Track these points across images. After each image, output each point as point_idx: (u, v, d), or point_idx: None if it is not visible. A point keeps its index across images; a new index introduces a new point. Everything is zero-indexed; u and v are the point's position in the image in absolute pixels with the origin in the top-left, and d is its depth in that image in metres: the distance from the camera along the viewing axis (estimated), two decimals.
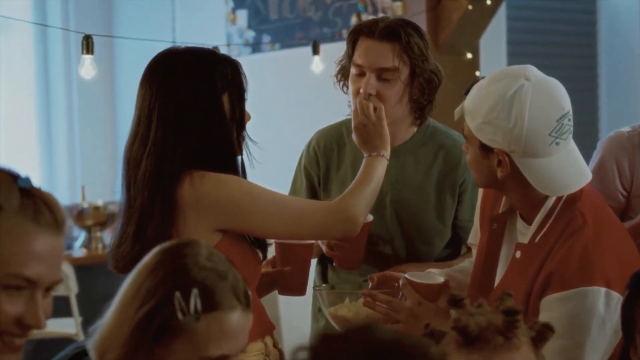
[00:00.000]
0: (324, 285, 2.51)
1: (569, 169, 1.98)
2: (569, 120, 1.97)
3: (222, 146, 2.09)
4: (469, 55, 4.49)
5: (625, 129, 2.66)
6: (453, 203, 2.48)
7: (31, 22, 5.69)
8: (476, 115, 1.98)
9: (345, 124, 2.58)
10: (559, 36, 5.64)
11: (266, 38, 5.42)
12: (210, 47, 3.77)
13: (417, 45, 2.41)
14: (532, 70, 1.98)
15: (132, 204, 2.06)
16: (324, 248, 2.40)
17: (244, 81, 2.13)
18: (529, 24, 5.46)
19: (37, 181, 5.17)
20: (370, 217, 2.35)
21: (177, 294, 1.47)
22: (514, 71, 1.99)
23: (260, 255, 2.18)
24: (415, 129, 2.52)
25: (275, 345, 2.21)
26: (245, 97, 2.14)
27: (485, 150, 1.99)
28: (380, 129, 2.30)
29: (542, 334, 1.59)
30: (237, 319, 1.50)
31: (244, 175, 2.18)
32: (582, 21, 5.94)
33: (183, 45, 2.18)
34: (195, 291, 1.46)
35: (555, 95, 1.97)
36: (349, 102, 2.49)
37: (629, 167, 2.61)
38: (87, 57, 3.37)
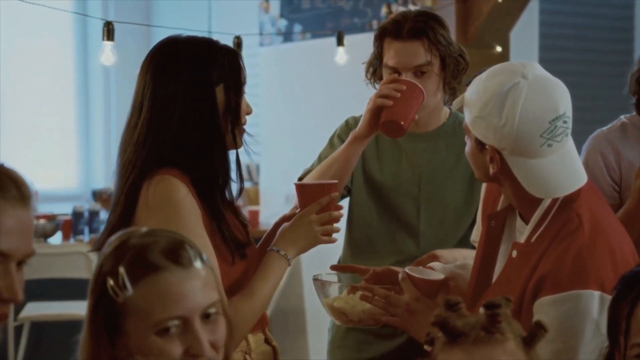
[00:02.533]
0: (322, 273, 2.50)
1: (561, 172, 1.93)
2: (565, 122, 1.92)
3: (210, 138, 2.03)
4: (499, 49, 4.45)
5: (604, 127, 2.65)
6: (481, 191, 2.48)
7: (71, 11, 5.76)
8: (472, 109, 1.96)
9: None
10: (594, 31, 5.54)
11: (297, 27, 5.42)
12: (241, 35, 3.82)
13: (442, 36, 2.53)
14: (533, 68, 1.94)
15: (114, 191, 2.06)
16: (373, 101, 2.41)
17: (242, 72, 2.08)
18: (562, 18, 5.37)
19: (74, 166, 5.21)
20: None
21: (108, 279, 1.47)
22: (513, 67, 1.95)
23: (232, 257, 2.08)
24: (448, 113, 2.65)
25: (268, 341, 2.19)
26: (243, 89, 2.09)
27: (480, 144, 1.97)
28: (314, 230, 2.14)
29: (533, 333, 1.55)
30: (174, 278, 1.46)
31: (239, 169, 2.13)
32: (619, 16, 5.81)
33: (185, 34, 2.12)
34: (121, 269, 1.46)
35: (551, 96, 1.92)
36: (367, 78, 2.62)
37: (615, 160, 2.57)
38: (108, 44, 3.38)
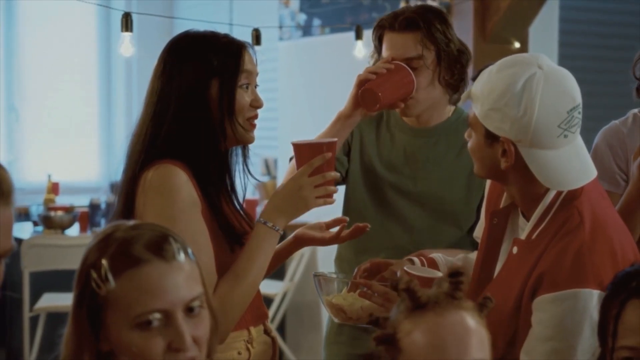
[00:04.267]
0: (324, 272, 2.49)
1: (574, 164, 1.92)
2: (579, 113, 1.91)
3: (202, 132, 2.02)
4: (517, 45, 4.40)
5: (617, 120, 2.68)
6: (480, 188, 2.46)
7: (94, 3, 5.78)
8: (484, 102, 1.92)
9: None
10: (616, 27, 5.47)
11: (317, 21, 5.40)
12: (260, 29, 3.81)
13: (438, 29, 2.48)
14: (545, 59, 1.93)
15: (120, 181, 2.08)
16: (358, 75, 2.44)
17: (242, 65, 2.04)
18: (583, 14, 5.32)
19: (96, 159, 5.21)
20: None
21: (92, 271, 1.46)
22: (526, 59, 1.93)
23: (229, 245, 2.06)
24: (452, 110, 2.59)
25: (268, 332, 2.18)
26: (239, 83, 2.04)
27: (490, 138, 1.94)
28: (306, 198, 2.04)
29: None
30: (156, 271, 1.45)
31: (246, 165, 2.12)
32: None
33: (199, 29, 2.10)
34: (104, 262, 1.45)
35: (567, 86, 1.91)
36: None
37: (622, 150, 2.59)
38: (127, 35, 3.38)
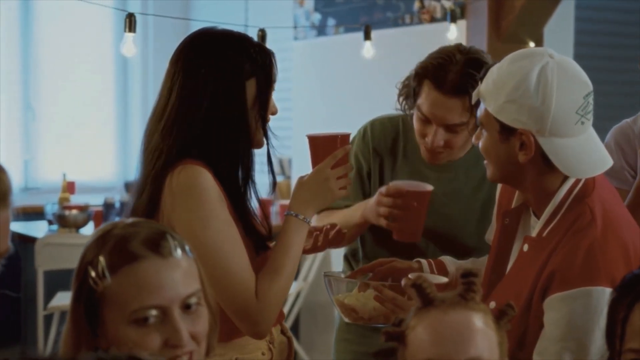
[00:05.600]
0: (335, 272, 2.48)
1: (592, 151, 1.93)
2: (592, 99, 1.92)
3: (236, 132, 2.01)
4: (532, 44, 4.38)
5: (629, 118, 2.70)
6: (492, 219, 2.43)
7: (111, 7, 5.80)
8: (498, 96, 1.91)
9: (403, 118, 2.55)
10: (632, 27, 5.45)
11: (331, 21, 5.40)
12: (275, 29, 3.81)
13: None
14: (553, 51, 1.93)
15: (139, 178, 2.05)
16: (382, 222, 2.34)
17: (274, 70, 2.05)
18: (599, 13, 5.29)
19: (112, 158, 5.22)
20: (430, 187, 2.32)
21: (89, 268, 1.46)
22: (536, 50, 1.95)
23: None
24: (471, 145, 2.46)
25: (284, 332, 2.19)
26: (273, 87, 2.06)
27: (506, 133, 1.92)
28: (332, 189, 2.09)
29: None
30: (152, 267, 1.45)
31: (270, 164, 2.11)
32: None
33: (220, 27, 2.09)
34: (101, 259, 1.45)
35: (579, 72, 1.92)
36: (398, 109, 2.48)
37: (631, 148, 2.62)
38: (129, 35, 3.38)
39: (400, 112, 2.52)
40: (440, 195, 2.47)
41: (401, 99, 2.46)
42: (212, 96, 1.99)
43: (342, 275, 2.38)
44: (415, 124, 2.42)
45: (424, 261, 2.25)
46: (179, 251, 1.49)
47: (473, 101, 2.05)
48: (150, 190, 1.98)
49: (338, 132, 2.14)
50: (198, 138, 1.99)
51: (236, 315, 1.97)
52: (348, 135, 2.13)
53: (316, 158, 2.11)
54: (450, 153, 2.41)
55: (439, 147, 2.37)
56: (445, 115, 2.32)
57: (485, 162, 2.03)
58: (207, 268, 1.81)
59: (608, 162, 1.95)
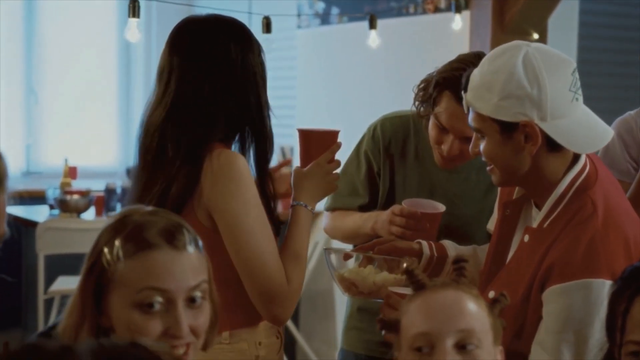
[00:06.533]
0: (335, 247, 2.49)
1: (593, 124, 1.95)
2: (577, 74, 1.93)
3: (261, 115, 2.08)
4: (536, 36, 4.36)
5: (632, 111, 2.72)
6: None
7: None
8: (490, 97, 1.91)
9: (413, 117, 2.54)
10: (636, 20, 5.43)
11: (335, 10, 5.39)
12: (279, 17, 3.80)
13: None
14: (524, 41, 1.96)
15: (156, 165, 2.05)
16: (395, 230, 2.34)
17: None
18: (604, 6, 5.26)
19: (114, 144, 5.22)
20: (443, 208, 2.34)
21: (104, 248, 1.50)
22: (510, 44, 1.95)
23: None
24: None
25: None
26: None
27: (507, 131, 1.91)
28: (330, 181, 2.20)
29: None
30: (164, 257, 1.49)
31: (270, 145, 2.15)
32: None
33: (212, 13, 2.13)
34: (117, 242, 1.50)
35: (558, 53, 1.95)
36: (414, 107, 2.46)
37: (633, 140, 2.63)
38: (133, 21, 3.39)
39: (409, 110, 2.52)
40: (451, 196, 2.48)
41: (417, 102, 2.44)
42: (242, 81, 2.05)
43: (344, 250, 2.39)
44: (431, 131, 2.41)
45: (424, 242, 2.25)
46: (192, 246, 1.53)
47: (466, 109, 2.02)
48: (186, 172, 2.01)
49: (329, 129, 2.22)
50: (234, 122, 2.05)
51: (267, 299, 2.03)
52: (338, 132, 2.21)
53: (307, 152, 2.19)
54: (463, 160, 2.41)
55: (453, 156, 2.38)
56: (464, 128, 2.27)
57: (488, 168, 2.01)
58: (244, 252, 1.97)
59: (610, 132, 1.97)
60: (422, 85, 2.43)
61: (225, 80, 2.04)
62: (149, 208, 1.59)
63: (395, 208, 2.35)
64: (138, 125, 2.13)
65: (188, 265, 1.51)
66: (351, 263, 2.33)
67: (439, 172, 2.51)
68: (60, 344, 0.85)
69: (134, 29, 3.38)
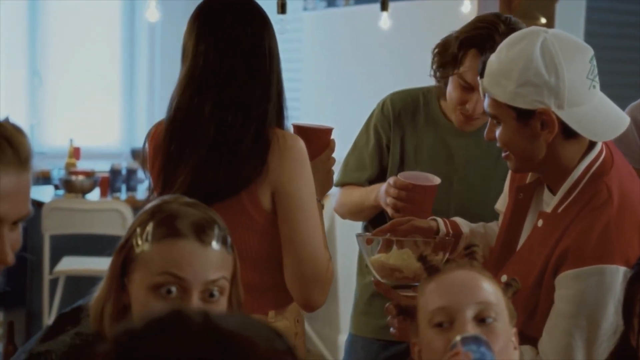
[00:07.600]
0: (365, 233, 2.46)
1: (610, 111, 1.94)
2: (595, 62, 1.93)
3: (276, 92, 2.10)
4: (543, 20, 4.35)
5: None
6: None
7: None
8: (507, 84, 1.90)
9: (423, 92, 2.58)
10: None
11: None
12: None
13: None
14: (542, 27, 1.95)
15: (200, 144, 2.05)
16: (389, 211, 2.37)
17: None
18: None
19: (118, 125, 5.26)
20: (437, 180, 2.34)
21: (137, 228, 1.56)
22: (529, 30, 1.95)
23: None
24: None
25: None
26: None
27: (524, 118, 1.90)
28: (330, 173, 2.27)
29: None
30: (190, 247, 1.53)
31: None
32: None
33: None
34: (149, 225, 1.55)
35: (576, 40, 1.94)
36: (432, 75, 2.49)
37: None
38: (152, 1, 3.41)
39: (418, 87, 2.53)
40: (463, 161, 2.52)
41: (435, 66, 2.47)
42: (277, 62, 2.11)
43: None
44: (454, 91, 2.43)
45: (440, 220, 2.24)
46: (219, 243, 1.57)
47: (483, 95, 2.02)
48: (257, 151, 2.03)
49: (324, 126, 2.26)
50: (280, 104, 2.11)
51: (311, 283, 2.07)
52: (332, 129, 2.25)
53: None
54: (484, 118, 2.42)
55: (479, 114, 2.40)
56: None
57: (504, 155, 2.01)
58: (301, 235, 2.03)
59: (626, 119, 1.97)
60: (438, 49, 2.46)
61: (254, 60, 2.07)
62: (189, 199, 1.63)
63: (392, 179, 2.37)
64: (168, 105, 2.11)
65: (210, 260, 1.54)
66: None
67: (451, 138, 2.54)
68: (204, 313, 0.87)
69: (153, 8, 3.42)
